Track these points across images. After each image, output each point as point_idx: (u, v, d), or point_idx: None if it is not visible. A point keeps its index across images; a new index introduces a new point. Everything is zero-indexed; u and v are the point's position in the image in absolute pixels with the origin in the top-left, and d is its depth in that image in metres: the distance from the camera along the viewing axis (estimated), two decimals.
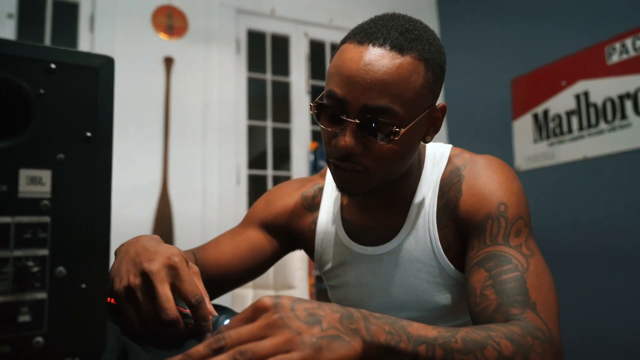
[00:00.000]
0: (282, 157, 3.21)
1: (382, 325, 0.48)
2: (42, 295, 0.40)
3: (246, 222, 0.97)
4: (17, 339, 0.39)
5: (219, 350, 0.42)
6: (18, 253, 0.40)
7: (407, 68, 0.69)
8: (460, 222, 0.78)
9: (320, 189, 0.95)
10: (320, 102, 0.74)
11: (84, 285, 0.42)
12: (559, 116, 2.67)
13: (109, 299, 0.61)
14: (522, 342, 0.54)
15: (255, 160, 3.18)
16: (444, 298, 0.80)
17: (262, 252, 0.92)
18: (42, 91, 0.42)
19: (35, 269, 0.40)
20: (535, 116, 2.81)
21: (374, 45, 0.70)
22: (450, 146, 0.86)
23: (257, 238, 0.93)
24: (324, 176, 0.97)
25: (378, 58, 0.69)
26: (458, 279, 0.79)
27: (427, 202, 0.81)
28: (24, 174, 0.41)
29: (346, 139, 0.70)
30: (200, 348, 0.42)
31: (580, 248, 2.50)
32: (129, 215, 2.53)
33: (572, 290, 2.51)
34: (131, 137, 2.63)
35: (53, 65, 0.43)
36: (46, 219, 0.41)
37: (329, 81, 0.74)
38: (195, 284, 0.59)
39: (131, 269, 0.60)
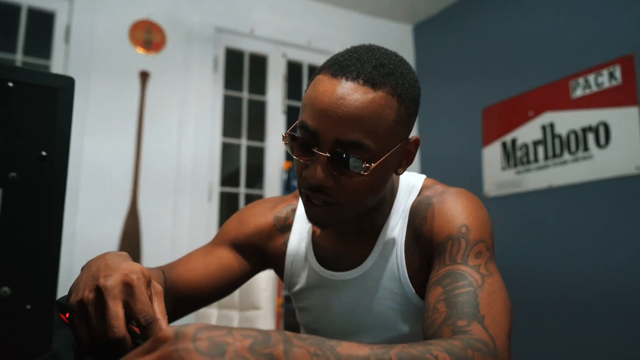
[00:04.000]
0: (256, 175, 3.20)
1: (307, 347, 0.45)
2: None
3: (218, 241, 0.96)
4: None
5: None
6: None
7: (380, 103, 0.69)
8: (424, 246, 0.78)
9: (293, 210, 0.95)
10: (292, 133, 0.74)
11: (28, 307, 0.42)
12: (526, 145, 2.75)
13: (63, 315, 0.60)
14: (461, 355, 0.52)
15: (228, 177, 3.17)
16: (405, 326, 0.80)
17: (232, 272, 0.92)
18: None
19: None
20: (504, 144, 2.89)
21: (347, 79, 0.70)
22: (423, 177, 0.88)
23: (227, 258, 0.93)
24: (297, 197, 0.97)
25: (350, 92, 0.69)
26: (420, 307, 0.80)
27: (396, 231, 0.82)
28: None
29: (317, 172, 0.70)
30: None
31: (545, 273, 2.55)
32: (97, 231, 2.48)
33: (535, 315, 2.56)
34: (102, 151, 2.59)
35: (11, 84, 0.44)
36: None
37: (302, 112, 0.74)
38: (148, 304, 0.59)
39: (88, 283, 0.60)
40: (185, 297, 0.89)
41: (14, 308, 0.41)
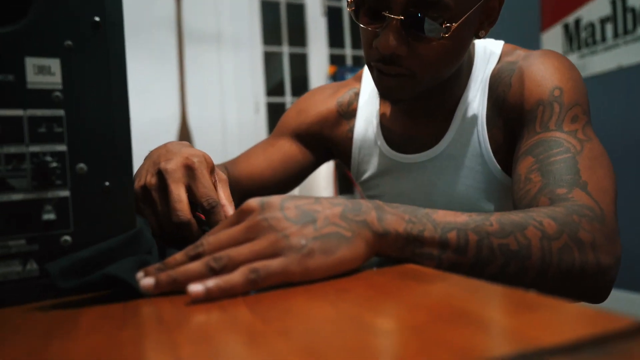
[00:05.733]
0: (300, 84, 3.12)
1: (401, 214, 0.42)
2: (64, 193, 0.38)
3: (278, 133, 0.92)
4: (45, 238, 0.37)
5: (195, 257, 0.38)
6: (34, 148, 0.37)
7: None
8: (509, 116, 0.70)
9: (356, 94, 0.88)
10: None
11: (107, 183, 0.40)
12: (592, 24, 2.51)
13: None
14: (567, 220, 0.48)
15: (274, 89, 3.10)
16: (489, 205, 0.75)
17: (296, 163, 0.89)
18: None
19: (54, 165, 0.37)
20: (566, 26, 2.64)
21: None
22: (502, 42, 0.78)
23: (290, 149, 0.89)
24: (359, 80, 0.90)
25: None
26: (505, 184, 0.73)
27: (475, 103, 0.74)
28: (31, 62, 0.37)
29: (389, 40, 0.62)
30: (177, 256, 0.38)
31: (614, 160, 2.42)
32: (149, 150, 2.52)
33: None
34: (145, 70, 2.57)
35: None
36: (60, 112, 0.38)
37: None
38: (211, 188, 0.55)
39: (150, 168, 0.57)
40: (249, 192, 0.87)
41: (93, 185, 0.39)
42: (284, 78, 3.02)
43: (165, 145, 0.62)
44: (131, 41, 2.55)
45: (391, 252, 0.41)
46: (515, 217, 0.46)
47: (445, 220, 0.43)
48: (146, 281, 0.36)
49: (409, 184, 0.81)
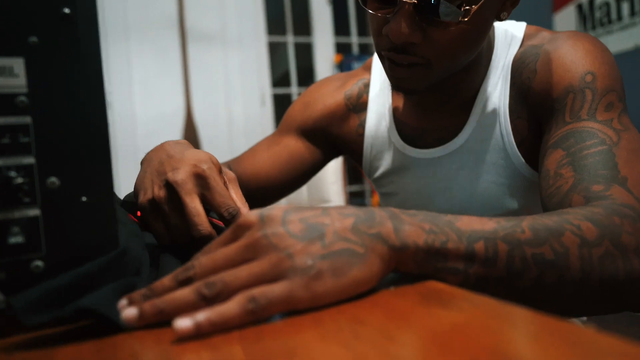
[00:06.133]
0: (306, 74, 3.06)
1: (420, 223, 0.36)
2: (34, 211, 0.33)
3: (283, 129, 0.86)
4: (12, 264, 0.33)
5: (185, 282, 0.33)
6: None
7: None
8: (534, 106, 0.64)
9: (366, 86, 0.82)
10: None
11: (84, 199, 0.35)
12: (606, 3, 2.41)
13: (132, 215, 0.55)
14: (608, 223, 0.42)
15: (279, 80, 3.04)
16: (513, 202, 0.69)
17: (302, 161, 0.83)
18: None
19: (21, 181, 0.32)
20: (580, 6, 2.54)
21: None
22: (524, 24, 0.71)
23: (296, 146, 0.83)
24: (369, 69, 0.83)
25: None
26: (530, 179, 0.67)
27: (497, 92, 0.68)
28: None
29: (401, 27, 0.55)
30: (165, 280, 0.33)
31: None
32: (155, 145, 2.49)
33: None
34: (149, 63, 2.53)
35: None
36: (26, 119, 0.33)
37: None
38: (227, 195, 0.51)
39: (155, 179, 0.53)
40: (254, 191, 0.82)
41: (68, 201, 0.34)
42: (289, 68, 2.96)
43: (163, 147, 0.57)
44: (134, 37, 2.50)
45: (410, 268, 0.36)
46: (549, 221, 0.41)
47: (471, 228, 0.38)
48: (129, 312, 0.31)
49: (426, 181, 0.75)
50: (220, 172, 0.54)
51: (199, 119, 2.61)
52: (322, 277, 0.31)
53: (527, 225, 0.40)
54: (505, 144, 0.67)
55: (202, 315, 0.29)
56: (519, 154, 0.66)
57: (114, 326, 0.31)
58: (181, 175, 0.51)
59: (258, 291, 0.30)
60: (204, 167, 0.52)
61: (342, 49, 3.05)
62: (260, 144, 0.87)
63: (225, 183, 0.54)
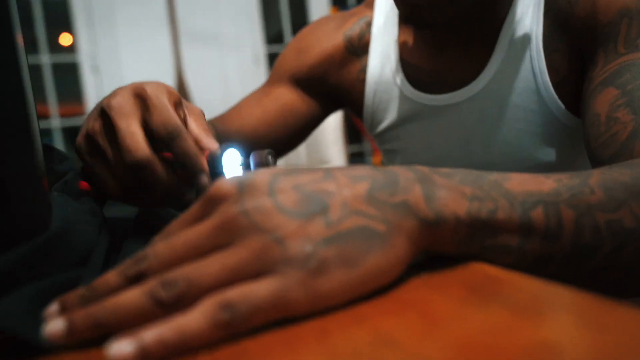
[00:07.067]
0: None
1: (459, 186, 0.27)
2: None
3: (274, 79, 0.74)
4: None
5: (136, 278, 0.23)
6: None
7: None
8: (576, 36, 0.53)
9: (368, 24, 0.69)
10: None
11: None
12: None
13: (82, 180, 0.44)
14: None
15: (273, 38, 2.89)
16: (548, 153, 0.58)
17: (297, 115, 0.72)
18: None
19: None
20: None
21: None
22: None
23: (289, 97, 0.72)
24: (371, 6, 0.71)
25: None
26: (571, 126, 0.56)
27: (527, 22, 0.56)
28: None
29: None
30: (110, 276, 0.23)
31: None
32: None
33: None
34: (136, 22, 2.41)
35: None
36: None
37: None
38: (170, 115, 0.39)
39: (93, 112, 0.42)
40: None
41: None
42: (282, 26, 2.81)
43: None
44: None
45: (447, 248, 0.27)
46: (623, 176, 0.31)
47: (525, 189, 0.28)
48: (53, 327, 0.21)
49: (439, 132, 0.64)
50: (178, 104, 0.42)
51: (191, 82, 2.50)
52: (327, 270, 0.22)
53: (596, 183, 0.30)
54: (538, 84, 0.56)
55: (150, 335, 0.20)
56: (556, 96, 0.55)
57: (32, 346, 0.22)
58: (117, 98, 0.39)
59: (235, 293, 0.21)
60: (147, 88, 0.40)
61: (337, 0, 2.89)
62: (248, 97, 0.75)
63: (184, 117, 0.43)
